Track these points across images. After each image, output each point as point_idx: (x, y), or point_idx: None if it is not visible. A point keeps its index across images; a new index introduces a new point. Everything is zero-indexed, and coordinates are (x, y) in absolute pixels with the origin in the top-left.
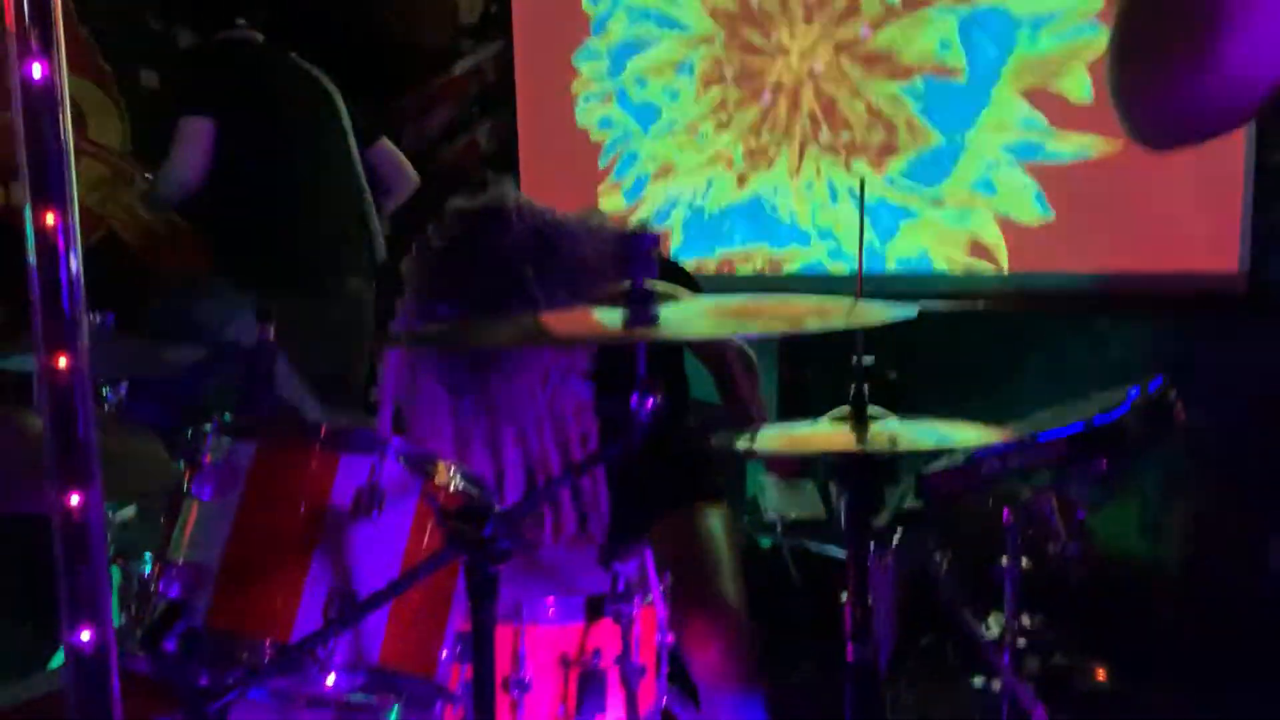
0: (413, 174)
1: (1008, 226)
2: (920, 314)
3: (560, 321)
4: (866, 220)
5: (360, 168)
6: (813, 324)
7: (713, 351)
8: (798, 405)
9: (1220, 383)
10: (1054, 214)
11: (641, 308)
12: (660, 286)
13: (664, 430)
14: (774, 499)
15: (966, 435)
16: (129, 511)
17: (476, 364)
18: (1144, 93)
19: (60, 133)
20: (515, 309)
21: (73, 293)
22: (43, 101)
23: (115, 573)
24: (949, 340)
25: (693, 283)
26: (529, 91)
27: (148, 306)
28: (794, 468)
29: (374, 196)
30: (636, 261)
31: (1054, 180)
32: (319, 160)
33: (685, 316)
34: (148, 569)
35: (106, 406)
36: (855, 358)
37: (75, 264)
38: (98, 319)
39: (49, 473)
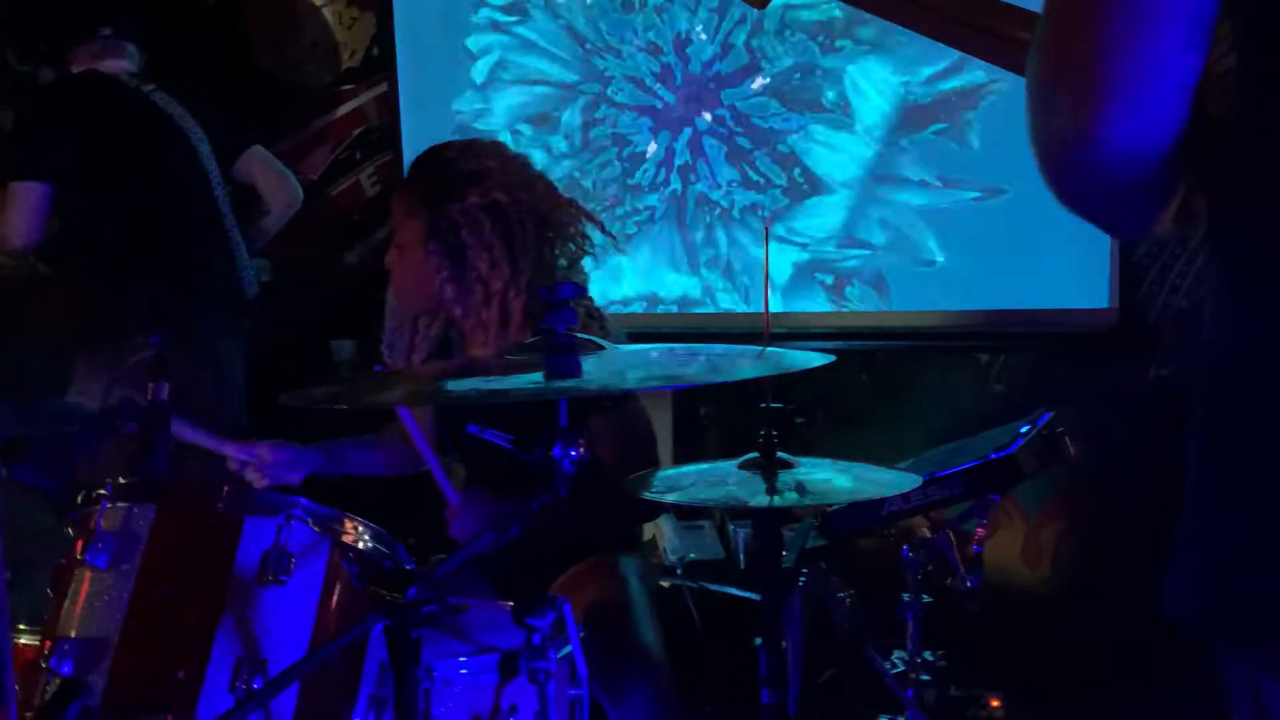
0: (293, 184)
1: (895, 271)
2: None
3: (479, 372)
4: (759, 265)
5: (227, 209)
6: (735, 373)
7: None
8: (693, 447)
9: (1095, 411)
10: (940, 258)
11: (562, 358)
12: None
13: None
14: (672, 541)
15: (873, 479)
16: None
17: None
18: (1043, 153)
19: None
20: None
21: None
22: None
23: None
24: (837, 381)
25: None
26: (414, 134)
27: (23, 363)
28: (692, 510)
29: (253, 219)
30: (557, 311)
31: (942, 224)
32: (178, 213)
33: (608, 368)
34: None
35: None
36: (763, 404)
37: None
38: None
39: None
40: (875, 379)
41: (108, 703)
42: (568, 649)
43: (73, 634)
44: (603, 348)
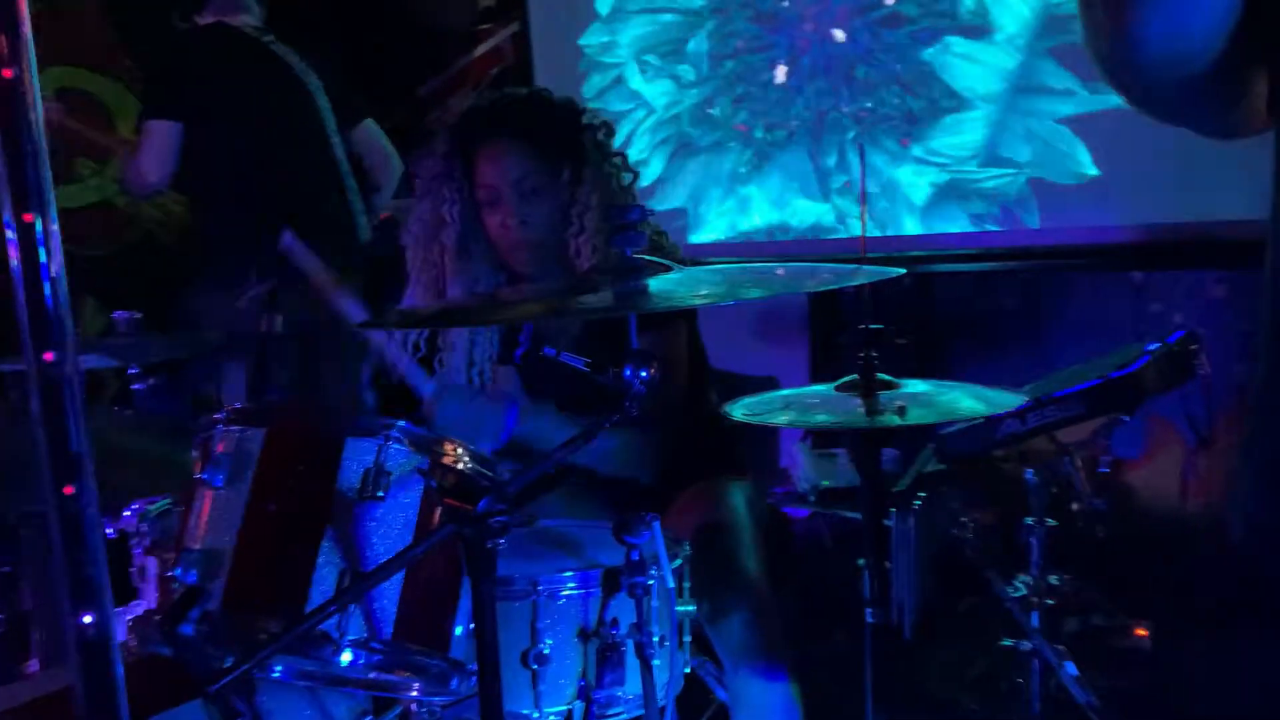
0: (396, 162)
1: (1038, 185)
2: (946, 276)
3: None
4: (898, 187)
5: (341, 154)
6: (797, 287)
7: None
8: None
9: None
10: (1087, 174)
11: (630, 279)
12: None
13: (683, 403)
14: (806, 469)
15: (979, 400)
16: (164, 504)
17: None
18: (1094, 54)
19: (34, 135)
20: None
21: (56, 292)
22: (14, 105)
23: (153, 564)
24: (978, 301)
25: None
26: (546, 72)
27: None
28: (826, 437)
29: (364, 187)
30: (624, 233)
31: (1086, 137)
32: (294, 153)
33: (674, 286)
34: None
35: (136, 404)
36: (862, 324)
37: (57, 264)
38: (128, 317)
39: (43, 468)
40: (1023, 302)
41: (226, 606)
42: (677, 563)
43: (196, 546)
44: (670, 268)
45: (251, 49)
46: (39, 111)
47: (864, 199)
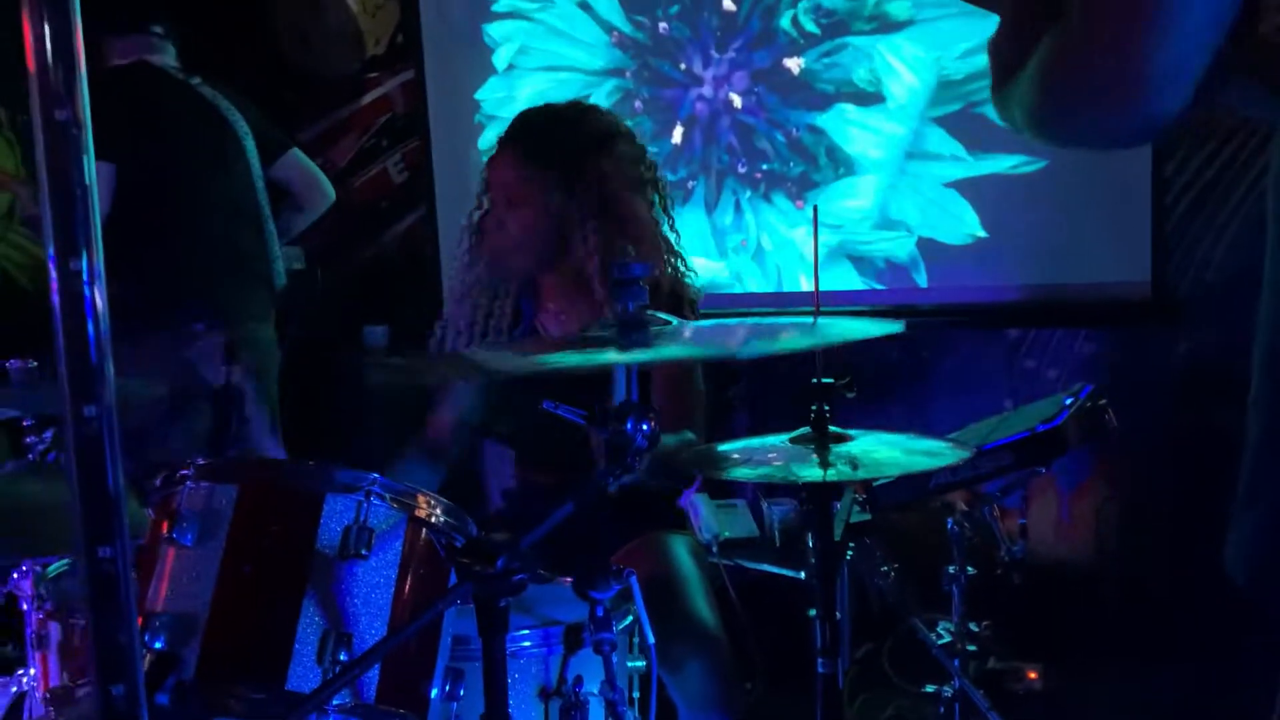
0: (326, 187)
1: (927, 247)
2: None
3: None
4: (793, 245)
5: (262, 194)
6: (796, 343)
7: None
8: (722, 424)
9: (1133, 384)
10: (974, 235)
11: (634, 333)
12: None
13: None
14: (707, 519)
15: (924, 451)
16: (63, 565)
17: None
18: (1074, 110)
19: (84, 176)
20: None
21: (99, 339)
22: (66, 144)
23: (55, 629)
24: (874, 356)
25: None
26: (440, 122)
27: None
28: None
29: (285, 213)
30: (625, 289)
31: (974, 200)
32: (223, 196)
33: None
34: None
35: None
36: (814, 378)
37: (101, 309)
38: (20, 365)
39: (77, 526)
40: (907, 356)
41: (201, 675)
42: (628, 620)
43: (159, 609)
44: (669, 322)
45: (179, 90)
46: (91, 153)
47: (816, 252)
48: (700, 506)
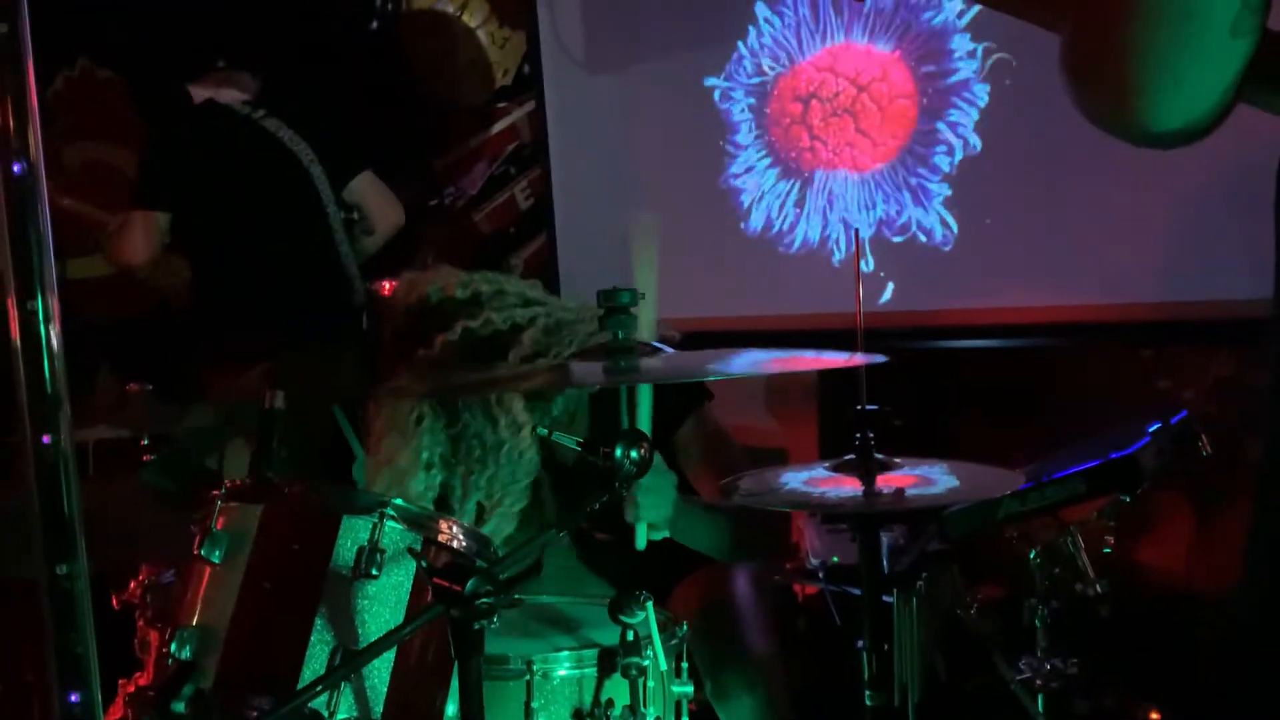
0: (397, 209)
1: None
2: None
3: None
4: None
5: (337, 222)
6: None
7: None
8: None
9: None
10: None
11: (621, 359)
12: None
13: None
14: (816, 545)
15: (978, 480)
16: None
17: None
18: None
19: (40, 224)
20: None
21: (54, 373)
22: (23, 195)
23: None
24: (998, 377)
25: None
26: (562, 150)
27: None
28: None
29: (359, 235)
30: (615, 316)
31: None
32: (289, 231)
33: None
34: None
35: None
36: (858, 405)
37: (56, 346)
38: (141, 388)
39: (37, 546)
40: (1037, 375)
41: (218, 684)
42: (674, 643)
43: (191, 622)
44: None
45: (241, 128)
46: (46, 201)
47: (858, 274)
48: (810, 531)
